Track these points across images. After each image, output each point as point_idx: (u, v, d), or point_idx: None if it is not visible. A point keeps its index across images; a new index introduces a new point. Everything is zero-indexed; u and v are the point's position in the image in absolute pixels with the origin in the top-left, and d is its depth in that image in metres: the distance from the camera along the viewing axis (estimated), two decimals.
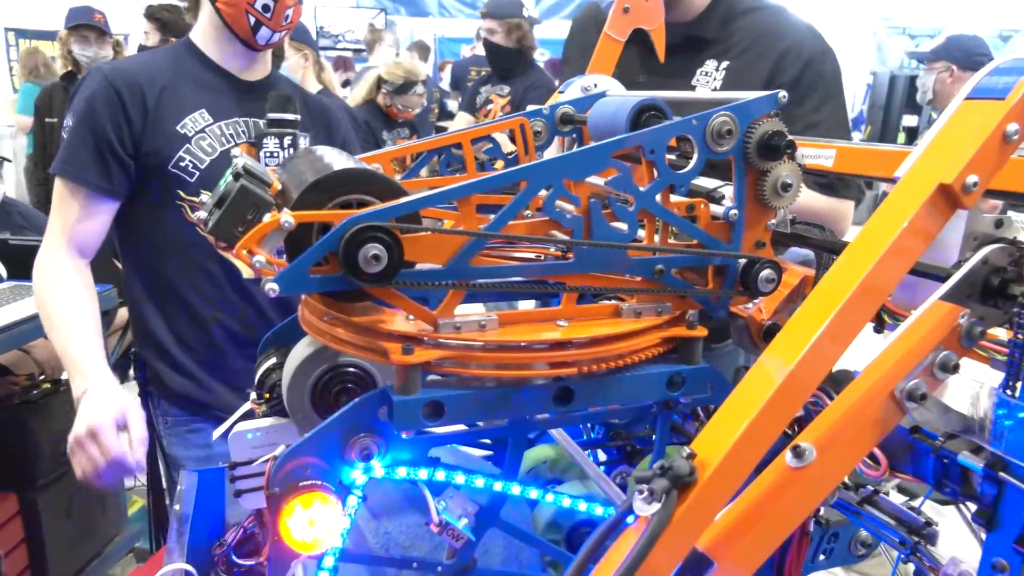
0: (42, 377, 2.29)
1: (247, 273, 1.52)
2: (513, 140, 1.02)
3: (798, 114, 1.39)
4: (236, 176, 0.62)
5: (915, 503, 0.78)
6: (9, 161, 2.96)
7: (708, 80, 1.47)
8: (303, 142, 1.40)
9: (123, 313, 2.72)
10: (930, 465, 0.65)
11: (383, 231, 0.59)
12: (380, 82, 3.57)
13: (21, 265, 2.24)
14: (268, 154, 1.23)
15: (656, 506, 0.51)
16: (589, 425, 1.12)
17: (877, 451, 0.71)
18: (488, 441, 0.96)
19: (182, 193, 1.46)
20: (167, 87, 1.45)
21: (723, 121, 0.70)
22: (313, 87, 3.04)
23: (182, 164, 1.45)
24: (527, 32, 3.41)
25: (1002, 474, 0.58)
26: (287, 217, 0.59)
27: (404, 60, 4.12)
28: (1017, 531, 0.58)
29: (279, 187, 0.68)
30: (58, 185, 1.43)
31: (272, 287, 0.58)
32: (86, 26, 3.35)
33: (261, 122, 1.46)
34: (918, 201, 0.52)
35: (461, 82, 5.55)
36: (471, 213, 0.65)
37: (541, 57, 4.88)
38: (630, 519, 0.54)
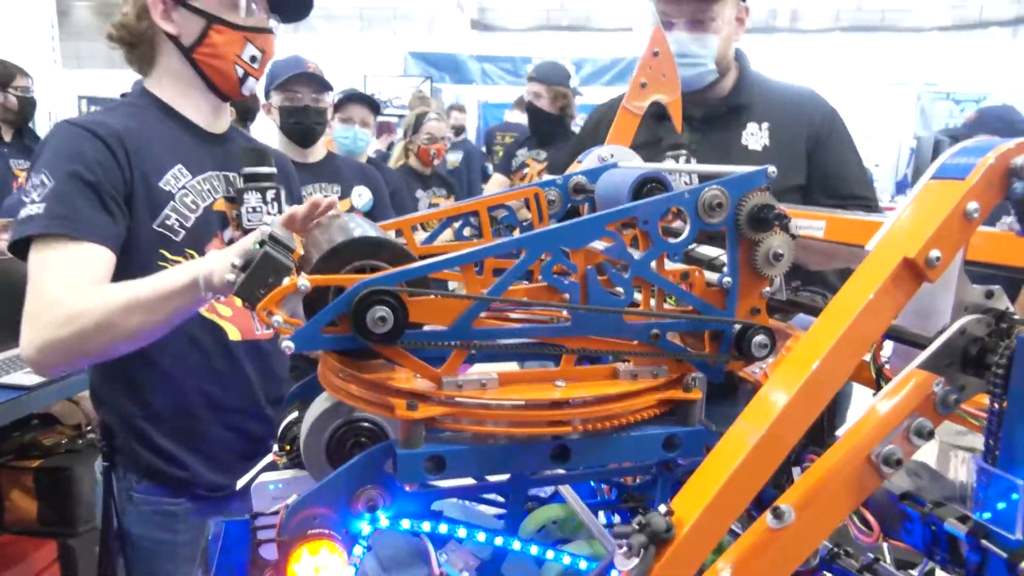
0: (88, 427, 2.39)
1: (234, 335, 1.44)
2: (529, 208, 1.08)
3: (832, 158, 1.73)
4: (262, 243, 0.69)
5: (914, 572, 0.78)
6: None
7: (756, 139, 1.74)
8: (283, 195, 1.31)
9: None
10: (919, 532, 0.66)
11: (390, 295, 0.65)
12: (406, 141, 3.72)
13: None
14: (251, 209, 1.17)
15: (635, 561, 0.54)
16: (603, 486, 1.14)
17: (870, 517, 0.72)
18: (500, 499, 0.99)
19: (166, 253, 1.34)
20: (141, 141, 1.33)
21: (714, 195, 0.74)
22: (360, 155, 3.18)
23: (168, 223, 1.35)
24: (571, 101, 3.52)
25: (984, 542, 0.59)
26: (303, 281, 0.65)
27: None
28: None
29: (301, 252, 0.74)
30: (44, 253, 1.21)
31: (288, 344, 0.64)
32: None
33: (231, 175, 1.42)
34: (884, 273, 0.55)
35: (490, 147, 5.76)
36: (473, 278, 0.70)
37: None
38: (612, 573, 0.56)
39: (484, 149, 6.25)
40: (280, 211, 1.24)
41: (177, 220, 1.36)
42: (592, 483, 1.12)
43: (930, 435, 0.59)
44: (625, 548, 0.54)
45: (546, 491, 1.04)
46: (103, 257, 1.24)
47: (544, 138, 3.63)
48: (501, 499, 0.98)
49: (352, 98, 3.06)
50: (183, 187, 1.37)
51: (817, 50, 12.65)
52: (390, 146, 6.13)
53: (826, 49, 12.91)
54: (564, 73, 3.57)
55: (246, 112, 3.60)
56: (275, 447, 0.95)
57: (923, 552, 0.67)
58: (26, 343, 1.21)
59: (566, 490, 1.02)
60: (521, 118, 5.86)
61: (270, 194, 1.15)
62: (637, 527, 0.54)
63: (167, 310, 1.18)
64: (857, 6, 16.31)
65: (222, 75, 1.38)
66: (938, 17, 15.14)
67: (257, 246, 0.69)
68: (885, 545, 0.80)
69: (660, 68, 1.39)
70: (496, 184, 3.84)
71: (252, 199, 1.11)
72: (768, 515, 0.58)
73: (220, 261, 1.12)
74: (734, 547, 0.58)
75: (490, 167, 5.98)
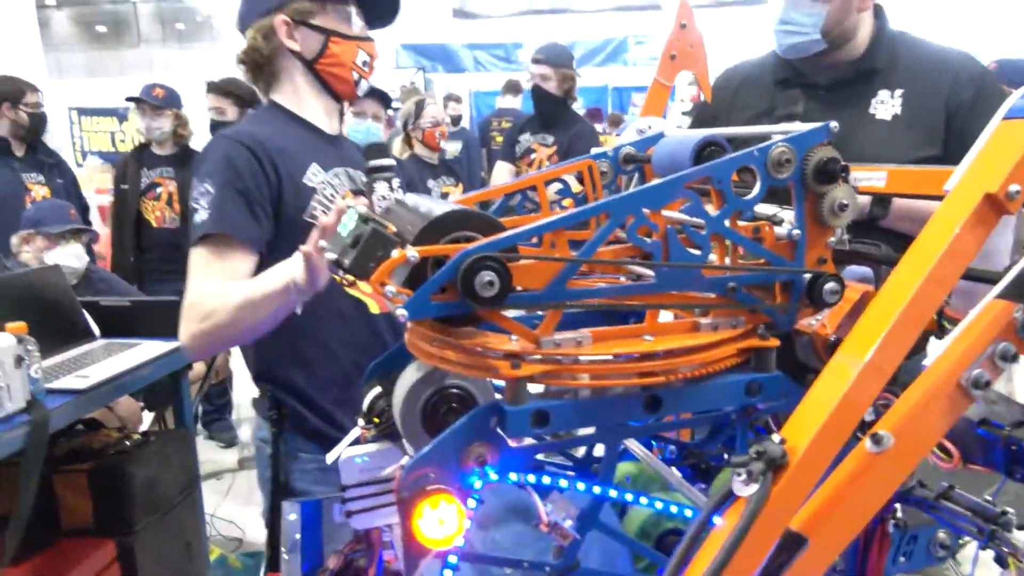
0: (127, 430, 2.44)
1: (374, 308, 1.60)
2: (581, 181, 1.12)
3: (983, 126, 1.53)
4: (365, 220, 0.73)
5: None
6: (94, 232, 3.18)
7: (886, 107, 1.59)
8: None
9: (199, 366, 2.88)
10: (999, 454, 0.71)
11: (494, 260, 0.69)
12: (406, 131, 3.74)
13: (111, 325, 2.42)
14: (381, 197, 1.31)
15: (754, 487, 0.58)
16: (661, 446, 1.18)
17: (949, 444, 0.77)
18: (571, 463, 1.03)
19: None
20: (281, 146, 1.53)
21: (782, 151, 0.78)
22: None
23: (315, 214, 1.53)
24: (575, 84, 3.51)
25: None
26: (412, 252, 0.69)
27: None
28: None
29: (395, 228, 0.78)
30: (201, 251, 1.44)
31: (402, 312, 0.68)
32: (142, 100, 3.65)
33: (350, 170, 1.62)
34: (968, 209, 0.60)
35: (485, 135, 5.70)
36: (563, 243, 0.74)
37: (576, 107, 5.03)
38: (716, 519, 0.61)
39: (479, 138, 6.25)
40: (403, 195, 1.39)
41: (322, 211, 1.54)
42: (652, 443, 1.17)
43: (1015, 358, 0.63)
44: (744, 475, 0.59)
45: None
46: (247, 258, 1.46)
47: (548, 121, 3.59)
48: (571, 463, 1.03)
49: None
50: (321, 181, 1.56)
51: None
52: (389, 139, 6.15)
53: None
54: (569, 55, 3.57)
55: None
56: (361, 421, 0.99)
57: (1003, 472, 0.72)
58: (180, 333, 1.45)
59: (637, 447, 1.07)
60: (513, 102, 5.86)
61: (395, 182, 1.29)
62: (755, 455, 0.59)
63: (269, 309, 1.38)
64: None
65: (341, 80, 1.59)
66: None
67: (360, 223, 0.73)
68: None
69: (688, 39, 1.43)
70: (504, 172, 3.84)
71: (381, 188, 1.24)
72: (867, 440, 0.62)
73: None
74: (836, 472, 0.63)
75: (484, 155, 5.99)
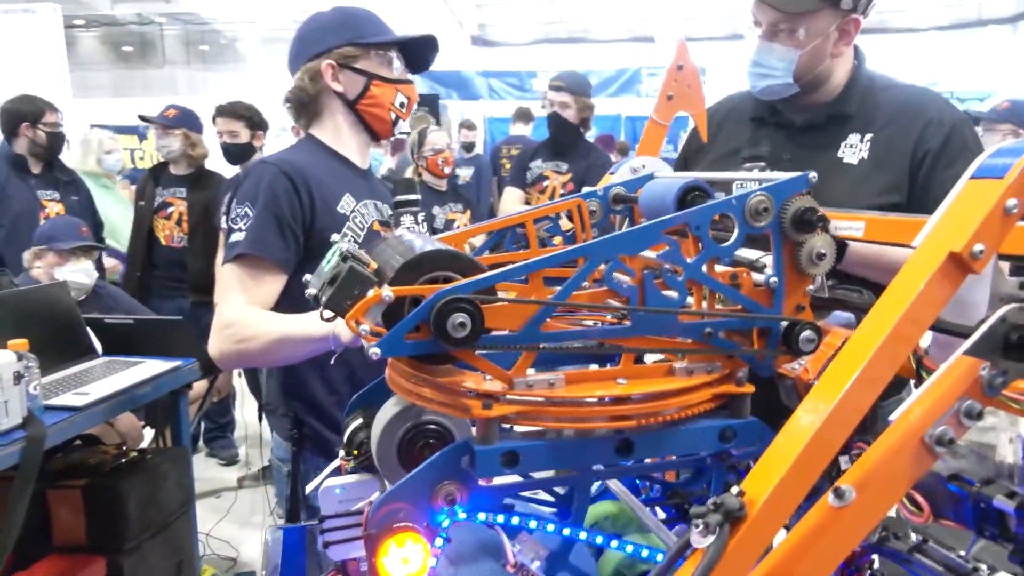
0: (124, 447, 2.45)
1: None
2: (571, 219, 1.13)
3: (949, 176, 1.49)
4: (344, 259, 0.74)
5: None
6: (103, 249, 3.24)
7: (854, 152, 1.58)
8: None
9: (198, 386, 2.90)
10: (968, 510, 0.71)
11: (467, 302, 0.70)
12: (414, 158, 3.77)
13: (115, 343, 2.44)
14: (407, 229, 1.38)
15: (711, 538, 0.58)
16: (647, 484, 1.18)
17: (920, 498, 0.77)
18: (552, 499, 1.03)
19: None
20: (318, 176, 1.64)
21: (760, 200, 0.79)
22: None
23: (346, 239, 1.60)
24: (591, 113, 3.51)
25: None
26: (388, 292, 0.70)
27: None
28: None
29: (375, 266, 0.80)
30: (236, 268, 1.55)
31: (375, 351, 0.69)
32: (151, 120, 3.75)
33: (378, 202, 1.73)
34: (933, 266, 0.60)
35: (496, 162, 5.71)
36: (540, 285, 0.75)
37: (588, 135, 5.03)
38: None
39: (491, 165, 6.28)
40: (426, 229, 1.50)
41: (352, 237, 1.65)
42: (637, 481, 1.16)
43: (979, 416, 0.63)
44: (702, 527, 0.59)
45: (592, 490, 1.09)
46: (277, 279, 1.57)
47: (562, 149, 3.54)
48: (552, 499, 1.03)
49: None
50: (353, 210, 1.67)
51: None
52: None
53: None
54: (588, 83, 3.57)
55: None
56: (342, 452, 0.99)
57: (973, 529, 0.71)
58: (210, 346, 1.55)
59: (617, 487, 1.06)
60: (524, 130, 5.89)
61: (421, 216, 1.37)
62: (712, 507, 0.59)
63: (304, 350, 1.50)
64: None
65: (380, 120, 1.71)
66: (935, 17, 15.18)
67: (339, 261, 0.74)
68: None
69: (685, 80, 1.44)
70: (513, 198, 3.83)
71: (407, 220, 1.33)
72: (830, 495, 0.62)
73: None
74: (799, 525, 0.63)
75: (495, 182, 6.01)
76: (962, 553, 0.81)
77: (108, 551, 2.03)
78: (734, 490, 0.60)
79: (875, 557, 0.88)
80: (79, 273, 2.85)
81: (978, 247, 0.60)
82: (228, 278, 1.57)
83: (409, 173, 3.99)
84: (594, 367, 0.99)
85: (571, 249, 0.76)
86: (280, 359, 1.57)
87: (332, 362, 1.56)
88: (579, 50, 13.94)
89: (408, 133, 4.31)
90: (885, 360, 0.61)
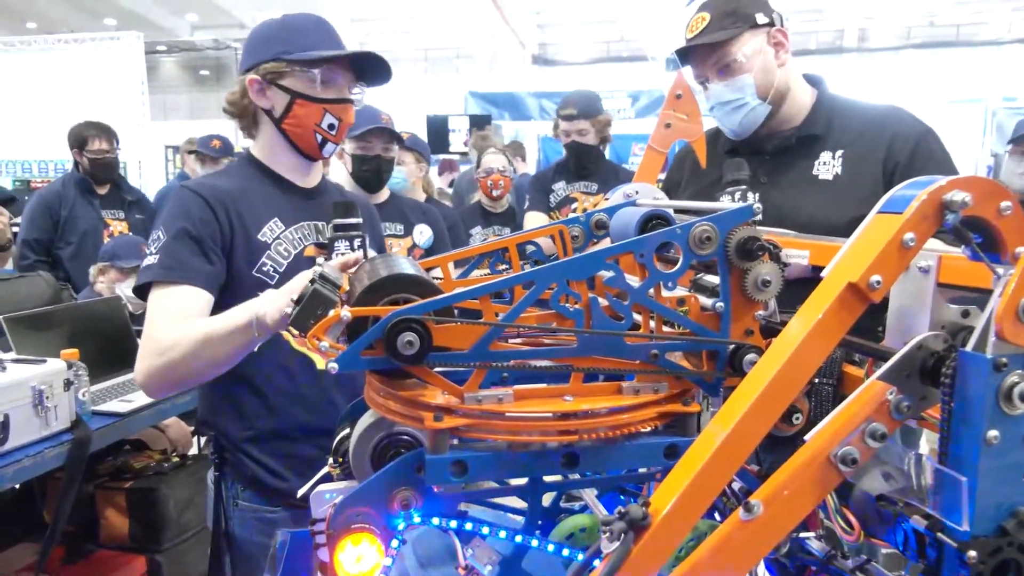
0: (173, 452, 2.60)
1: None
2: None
3: None
4: (312, 281, 0.82)
5: None
6: None
7: (828, 168, 1.68)
8: (367, 240, 1.47)
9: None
10: (891, 530, 0.73)
11: (417, 322, 0.76)
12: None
13: None
14: (340, 254, 1.32)
15: (616, 544, 0.63)
16: (627, 501, 1.22)
17: (852, 518, 0.79)
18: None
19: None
20: (242, 200, 1.58)
21: (703, 230, 0.84)
22: (419, 195, 3.32)
23: (264, 269, 1.57)
24: (609, 126, 3.39)
25: (939, 535, 0.66)
26: (345, 312, 0.77)
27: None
28: None
29: (347, 288, 0.87)
30: (156, 293, 1.48)
31: (333, 366, 0.76)
32: (201, 153, 3.99)
33: (320, 223, 1.65)
34: (832, 296, 0.64)
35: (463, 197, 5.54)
36: (489, 307, 0.81)
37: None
38: (597, 562, 0.66)
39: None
40: (366, 255, 1.38)
41: (272, 266, 1.58)
42: (621, 497, 1.20)
43: (883, 437, 0.66)
44: (608, 534, 0.64)
45: (577, 504, 1.13)
46: (201, 296, 1.49)
47: (583, 172, 3.44)
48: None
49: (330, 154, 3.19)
50: (277, 237, 1.60)
51: (887, 69, 12.42)
52: (451, 183, 6.33)
53: (897, 67, 12.66)
54: (598, 98, 3.41)
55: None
56: (330, 460, 1.07)
57: (898, 548, 0.74)
58: (136, 370, 1.48)
59: (592, 500, 1.11)
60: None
61: (357, 242, 1.33)
62: (618, 515, 0.64)
63: (231, 345, 1.39)
64: (930, 22, 15.92)
65: (305, 141, 1.62)
66: (1017, 30, 14.64)
67: (310, 284, 0.82)
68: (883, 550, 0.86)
69: (683, 110, 1.49)
70: (537, 223, 3.81)
71: (342, 246, 1.28)
72: (740, 509, 0.66)
73: (272, 303, 1.32)
74: (713, 535, 0.67)
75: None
76: (902, 573, 0.83)
77: (149, 550, 2.17)
78: (641, 500, 0.65)
79: None
80: None
81: (875, 278, 0.64)
82: (151, 305, 1.49)
83: (477, 195, 4.01)
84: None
85: (520, 275, 0.83)
86: (208, 364, 1.43)
87: (242, 368, 1.47)
88: (636, 68, 13.97)
89: (463, 154, 4.40)
90: (786, 383, 0.65)
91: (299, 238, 1.64)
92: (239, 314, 1.37)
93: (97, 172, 3.88)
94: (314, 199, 1.70)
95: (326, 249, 1.23)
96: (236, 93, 1.63)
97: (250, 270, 1.57)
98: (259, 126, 1.66)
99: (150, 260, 1.51)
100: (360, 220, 1.35)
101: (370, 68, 1.64)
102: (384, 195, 2.77)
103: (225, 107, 1.67)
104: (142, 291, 1.54)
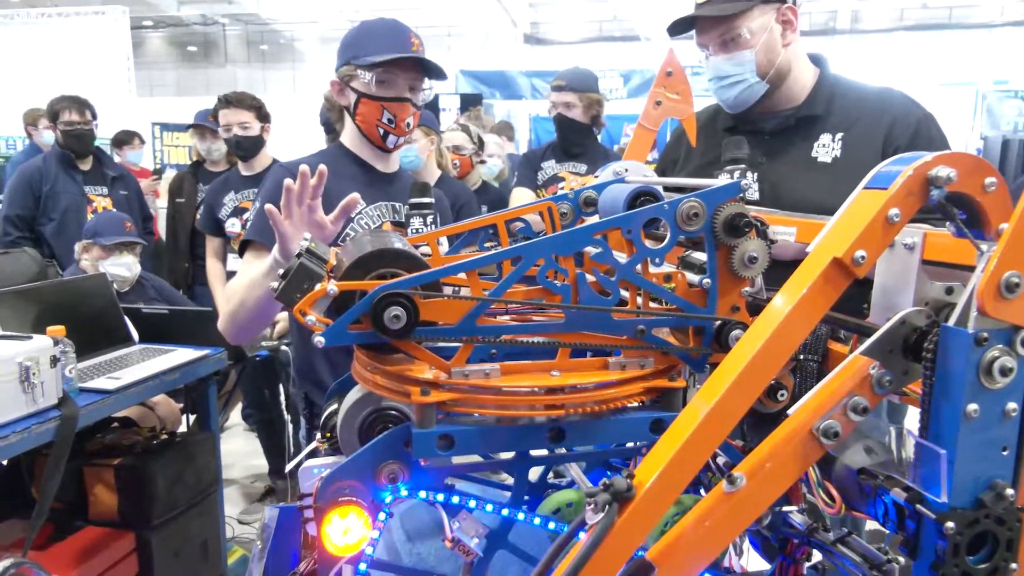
0: (162, 430, 2.60)
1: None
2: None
3: None
4: (298, 255, 0.81)
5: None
6: (145, 244, 3.36)
7: (827, 151, 1.66)
8: (439, 218, 1.67)
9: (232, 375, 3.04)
10: (871, 503, 0.74)
11: (404, 296, 0.76)
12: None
13: (151, 331, 2.60)
14: (415, 231, 1.50)
15: (600, 516, 0.64)
16: (611, 475, 1.23)
17: (833, 491, 0.80)
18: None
19: None
20: (330, 179, 1.69)
21: (691, 206, 0.84)
22: (433, 170, 3.22)
23: (344, 242, 1.71)
24: (602, 109, 3.32)
25: (919, 507, 0.67)
26: (332, 286, 0.77)
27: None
28: (932, 557, 0.66)
29: (334, 263, 0.87)
30: (246, 255, 1.74)
31: (319, 340, 0.76)
32: (202, 126, 3.91)
33: (396, 204, 1.87)
34: (817, 271, 0.64)
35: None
36: (476, 282, 0.81)
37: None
38: (582, 534, 0.66)
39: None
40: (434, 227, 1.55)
41: (349, 232, 1.77)
42: (608, 472, 1.21)
43: (864, 411, 0.67)
44: (593, 505, 0.64)
45: (564, 480, 1.14)
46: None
47: (573, 150, 3.36)
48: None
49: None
50: (359, 212, 1.83)
51: (880, 51, 12.41)
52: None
53: (889, 49, 12.65)
54: (594, 78, 3.34)
55: None
56: (318, 435, 1.07)
57: (878, 520, 0.75)
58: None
59: (578, 475, 1.12)
60: None
61: (430, 218, 1.45)
62: (603, 487, 0.64)
63: (263, 288, 1.54)
64: (923, 4, 15.89)
65: (371, 133, 1.87)
66: (1010, 12, 14.63)
67: (296, 257, 0.82)
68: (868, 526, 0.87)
69: (674, 88, 1.48)
70: (524, 199, 3.74)
71: (416, 222, 1.42)
72: (724, 481, 0.67)
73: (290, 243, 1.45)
74: (696, 507, 0.68)
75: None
76: (882, 545, 0.85)
77: (138, 527, 2.17)
78: (625, 472, 0.66)
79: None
80: (120, 267, 3.01)
81: (859, 253, 0.64)
82: (240, 267, 1.74)
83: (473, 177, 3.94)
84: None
85: (507, 250, 0.82)
86: (256, 306, 1.60)
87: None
88: (630, 48, 13.88)
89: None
90: (769, 357, 0.65)
91: (377, 215, 1.85)
92: (268, 259, 1.52)
93: (71, 144, 3.80)
94: (392, 182, 1.93)
95: (402, 227, 1.28)
96: (328, 91, 1.91)
97: (335, 240, 1.70)
98: (344, 119, 1.92)
99: (246, 227, 1.76)
100: (432, 200, 1.48)
101: (431, 67, 1.82)
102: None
103: (323, 102, 1.97)
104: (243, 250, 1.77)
